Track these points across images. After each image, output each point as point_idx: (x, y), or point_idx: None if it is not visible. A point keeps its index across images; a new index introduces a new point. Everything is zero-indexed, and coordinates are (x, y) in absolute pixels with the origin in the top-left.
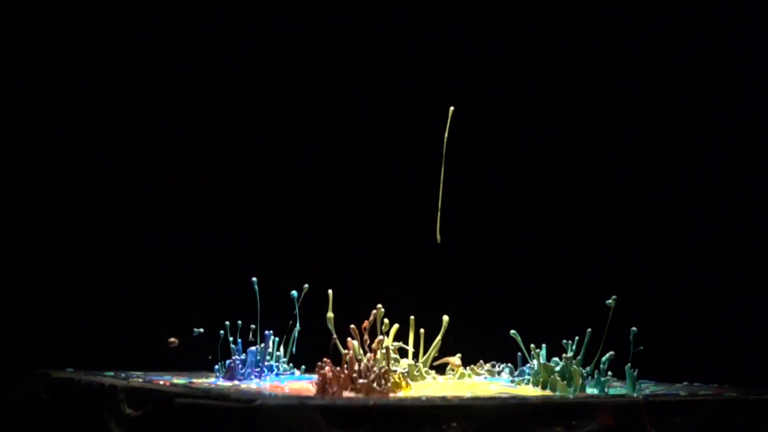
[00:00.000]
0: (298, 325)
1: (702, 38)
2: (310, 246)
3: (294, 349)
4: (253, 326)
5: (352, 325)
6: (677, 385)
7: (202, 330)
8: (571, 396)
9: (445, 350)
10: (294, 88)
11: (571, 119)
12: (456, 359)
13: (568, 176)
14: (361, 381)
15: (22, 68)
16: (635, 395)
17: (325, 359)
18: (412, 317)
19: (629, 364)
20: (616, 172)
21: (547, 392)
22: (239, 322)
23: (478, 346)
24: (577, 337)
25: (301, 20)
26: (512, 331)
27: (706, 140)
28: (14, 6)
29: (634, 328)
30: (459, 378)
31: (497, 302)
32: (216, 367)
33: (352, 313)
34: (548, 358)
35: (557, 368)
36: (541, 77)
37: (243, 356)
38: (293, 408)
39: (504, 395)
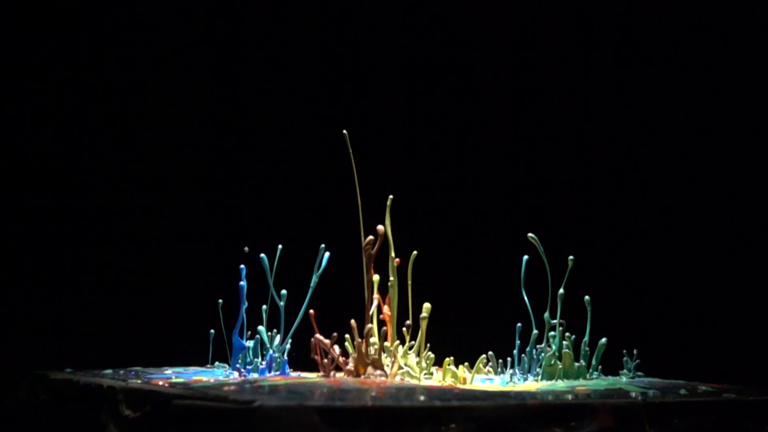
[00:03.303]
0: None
1: (702, 37)
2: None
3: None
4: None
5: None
6: (676, 384)
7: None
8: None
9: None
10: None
11: (570, 117)
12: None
13: (571, 173)
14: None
15: (19, 66)
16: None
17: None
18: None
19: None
20: (619, 171)
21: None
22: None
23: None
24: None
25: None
26: (530, 235)
27: (706, 141)
28: (15, 5)
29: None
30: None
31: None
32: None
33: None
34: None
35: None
36: (541, 77)
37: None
38: (292, 409)
39: (503, 396)
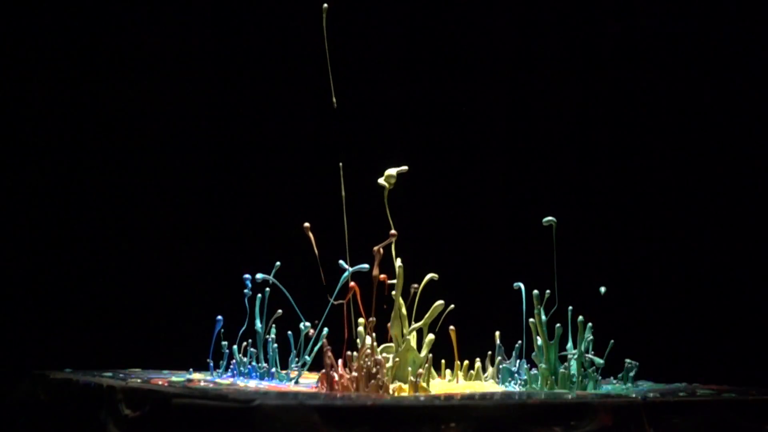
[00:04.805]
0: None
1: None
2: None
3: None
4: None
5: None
6: (676, 385)
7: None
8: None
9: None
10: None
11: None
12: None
13: (569, 171)
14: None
15: (20, 67)
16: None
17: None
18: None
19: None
20: (618, 170)
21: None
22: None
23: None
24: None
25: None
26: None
27: (707, 141)
28: (13, 3)
29: None
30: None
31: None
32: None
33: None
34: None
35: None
36: (540, 74)
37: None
38: (291, 408)
39: (503, 395)
